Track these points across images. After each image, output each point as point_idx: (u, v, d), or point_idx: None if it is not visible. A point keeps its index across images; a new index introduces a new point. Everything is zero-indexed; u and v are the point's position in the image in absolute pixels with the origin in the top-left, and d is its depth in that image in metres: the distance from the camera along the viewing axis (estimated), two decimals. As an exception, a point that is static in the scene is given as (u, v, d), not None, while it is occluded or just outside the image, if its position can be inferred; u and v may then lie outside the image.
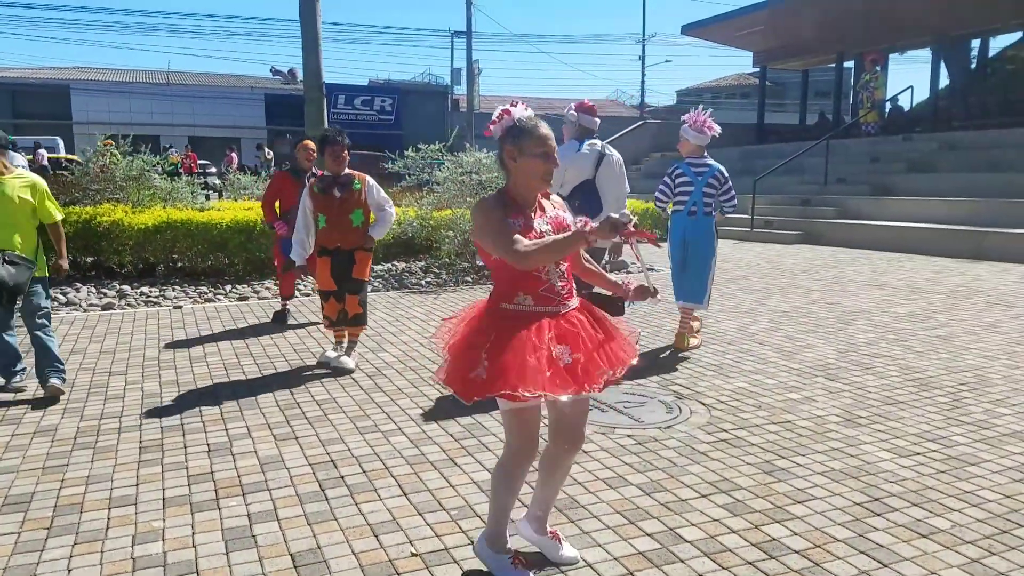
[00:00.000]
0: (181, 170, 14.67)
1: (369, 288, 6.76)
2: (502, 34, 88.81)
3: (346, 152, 4.97)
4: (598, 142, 4.86)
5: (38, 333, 4.38)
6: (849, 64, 21.07)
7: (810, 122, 22.69)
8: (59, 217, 4.49)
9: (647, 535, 2.76)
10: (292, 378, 4.80)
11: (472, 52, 28.57)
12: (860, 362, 5.18)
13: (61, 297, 7.20)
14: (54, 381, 4.36)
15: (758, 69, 23.96)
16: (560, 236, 2.23)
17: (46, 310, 4.46)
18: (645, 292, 2.48)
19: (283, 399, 4.38)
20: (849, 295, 7.84)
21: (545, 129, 2.27)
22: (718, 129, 5.35)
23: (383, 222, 5.23)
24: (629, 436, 3.76)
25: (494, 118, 2.31)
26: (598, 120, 4.90)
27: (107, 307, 7.02)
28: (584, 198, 4.63)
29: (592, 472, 3.32)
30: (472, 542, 2.64)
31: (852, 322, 6.49)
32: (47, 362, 4.39)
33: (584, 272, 2.59)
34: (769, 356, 5.35)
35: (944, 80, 19.55)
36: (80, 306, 7.03)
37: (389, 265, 9.27)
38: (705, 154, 5.46)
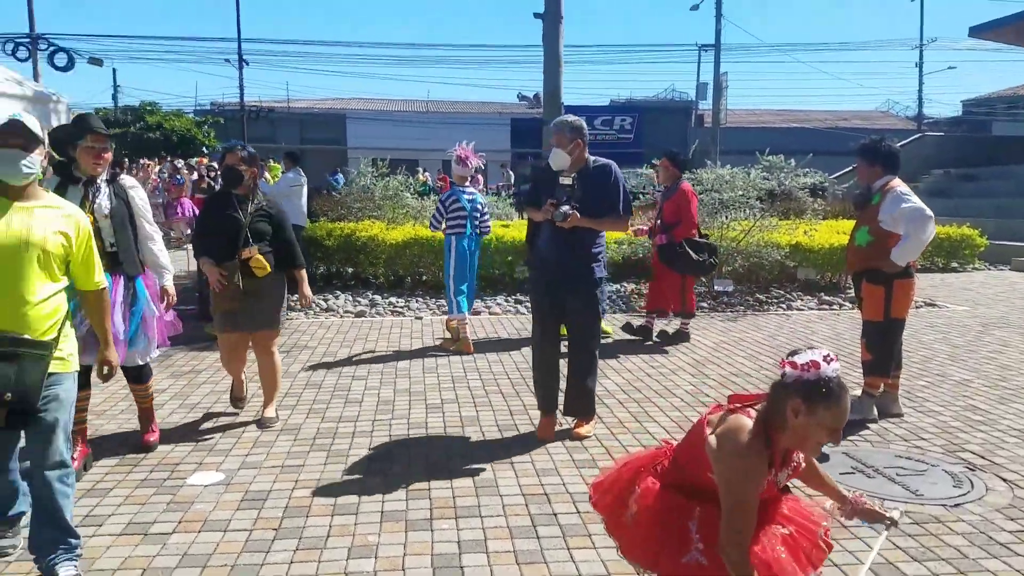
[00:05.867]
0: (439, 190, 15.75)
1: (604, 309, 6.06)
2: (754, 44, 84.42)
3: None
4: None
5: (48, 476, 2.42)
6: None
7: None
8: (103, 282, 2.70)
9: (929, 651, 2.14)
10: (513, 397, 4.70)
11: (720, 65, 27.52)
12: None
13: (322, 303, 7.93)
14: (64, 572, 2.43)
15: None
16: None
17: (65, 431, 2.49)
18: (878, 517, 2.14)
19: (503, 419, 4.28)
20: None
21: (847, 403, 1.87)
22: (475, 162, 6.16)
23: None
24: (904, 512, 3.07)
25: (800, 363, 1.86)
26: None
27: (360, 314, 7.60)
28: None
29: (853, 554, 2.72)
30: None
31: None
32: (54, 531, 2.46)
33: (810, 477, 2.19)
34: (1099, 424, 4.17)
35: None
36: (338, 312, 7.70)
37: (618, 286, 9.00)
38: (468, 183, 6.21)
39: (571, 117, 3.87)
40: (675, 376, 5.22)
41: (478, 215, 6.11)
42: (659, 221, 6.37)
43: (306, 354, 5.90)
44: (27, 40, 22.02)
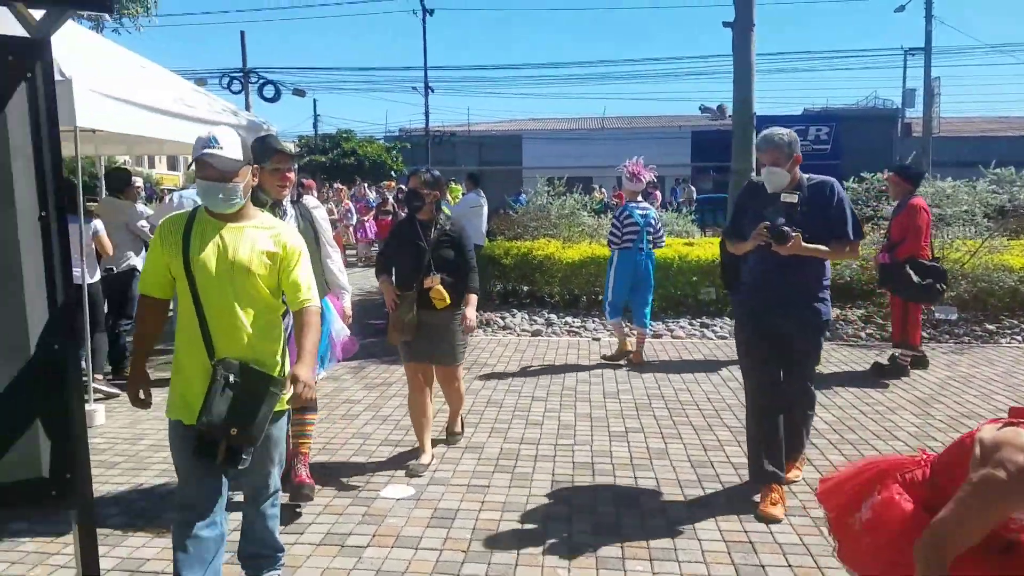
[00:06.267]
0: (614, 207, 15.63)
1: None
2: (970, 46, 75.32)
3: None
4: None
5: (263, 508, 2.55)
6: None
7: None
8: (312, 300, 2.44)
9: None
10: (705, 430, 4.37)
11: (931, 69, 24.94)
12: None
13: (499, 320, 8.00)
14: None
15: None
16: None
17: (279, 465, 2.58)
18: None
19: (695, 454, 3.97)
20: None
21: None
22: (648, 176, 6.24)
23: None
24: None
25: None
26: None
27: (536, 333, 7.57)
28: None
29: None
30: None
31: None
32: (263, 549, 2.60)
33: None
34: None
35: None
36: (514, 330, 7.72)
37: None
38: (640, 198, 6.32)
39: (783, 131, 3.37)
40: (895, 415, 4.61)
41: (651, 230, 6.15)
42: (887, 239, 5.77)
43: (485, 371, 5.93)
44: (240, 74, 24.80)
